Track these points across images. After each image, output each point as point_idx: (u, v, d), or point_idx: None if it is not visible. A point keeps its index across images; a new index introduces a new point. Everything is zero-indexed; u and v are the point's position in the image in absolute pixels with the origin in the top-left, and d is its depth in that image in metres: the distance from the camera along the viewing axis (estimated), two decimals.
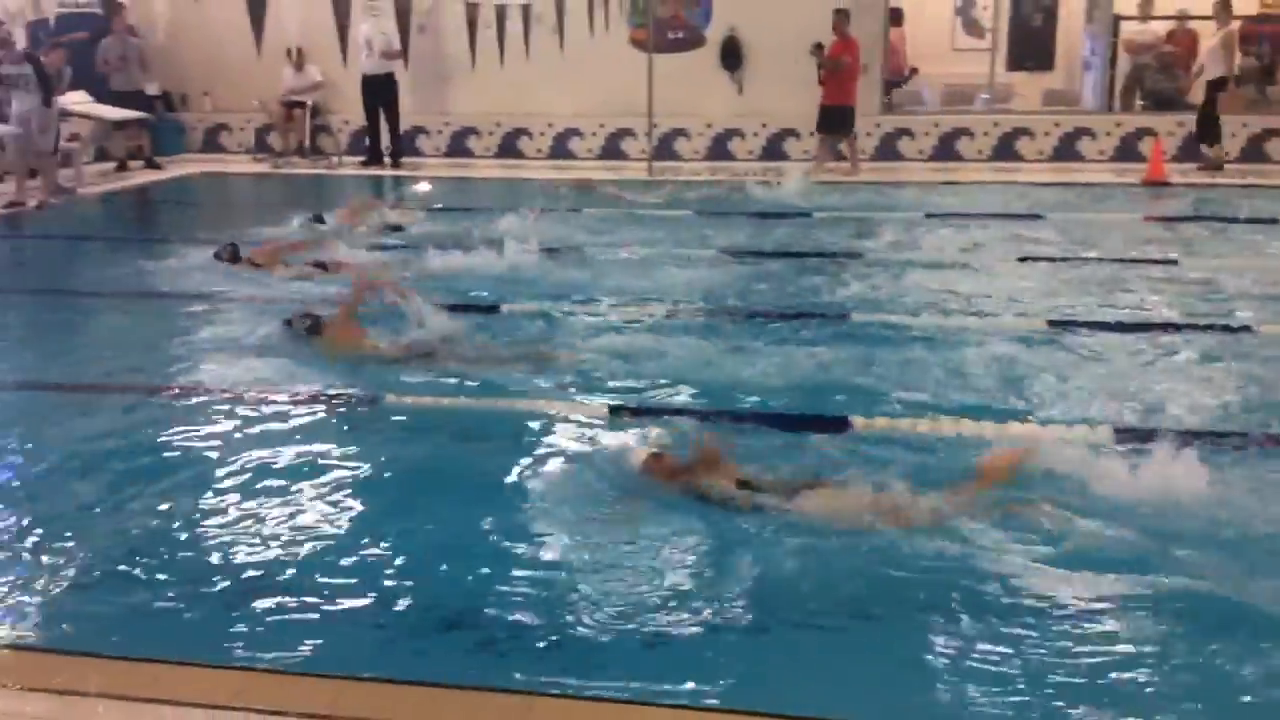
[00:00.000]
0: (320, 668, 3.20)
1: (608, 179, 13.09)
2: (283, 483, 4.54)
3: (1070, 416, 5.18)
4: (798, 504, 4.11)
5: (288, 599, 3.62)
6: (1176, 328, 6.71)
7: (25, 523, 4.20)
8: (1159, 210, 11.23)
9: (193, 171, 14.58)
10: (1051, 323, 6.82)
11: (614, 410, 5.26)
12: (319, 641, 3.36)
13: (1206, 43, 13.90)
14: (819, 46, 13.43)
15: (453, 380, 5.80)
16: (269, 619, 3.50)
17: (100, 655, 3.25)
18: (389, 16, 14.16)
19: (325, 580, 3.74)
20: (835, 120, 13.68)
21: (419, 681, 3.13)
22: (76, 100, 13.57)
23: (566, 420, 5.17)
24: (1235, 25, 13.57)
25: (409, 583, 3.76)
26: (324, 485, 4.51)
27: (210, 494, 4.45)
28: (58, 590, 3.69)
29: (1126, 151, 14.26)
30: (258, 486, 4.51)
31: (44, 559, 3.91)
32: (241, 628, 3.44)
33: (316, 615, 3.53)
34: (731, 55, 14.99)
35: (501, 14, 13.86)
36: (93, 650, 3.28)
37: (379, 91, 14.54)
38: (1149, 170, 12.85)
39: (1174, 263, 8.60)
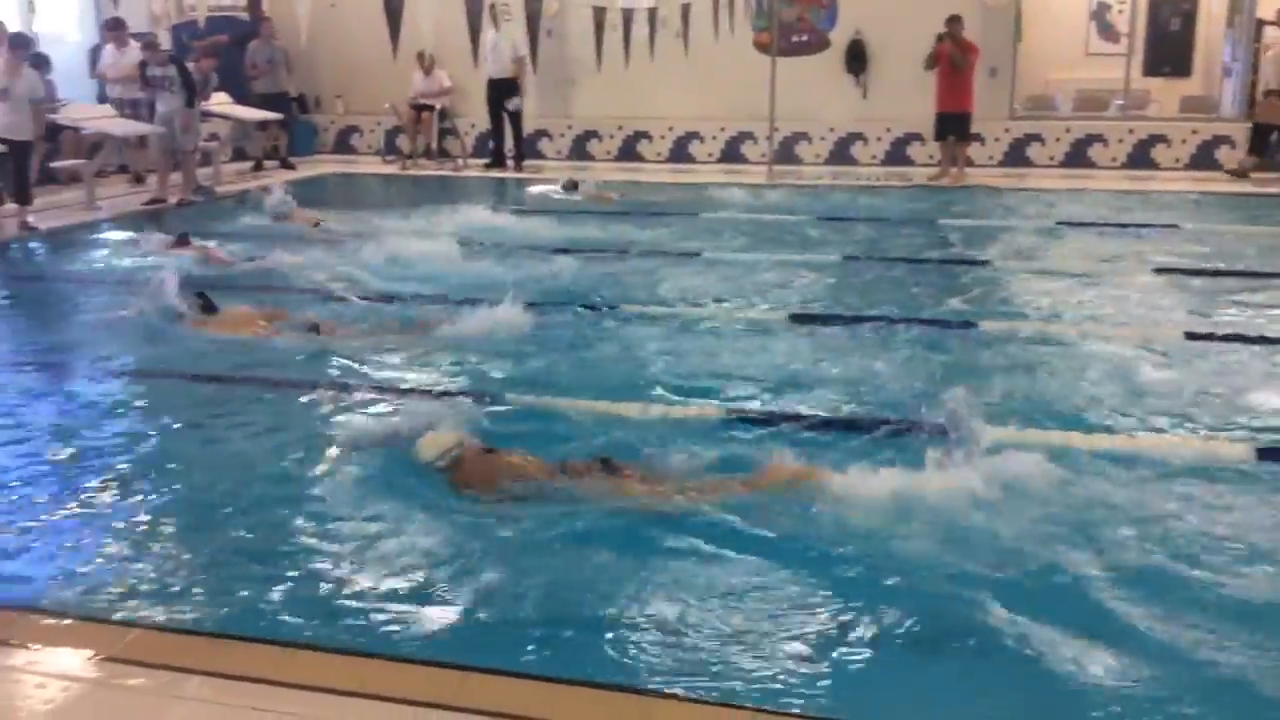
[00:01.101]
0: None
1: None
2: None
3: (1206, 431, 4.99)
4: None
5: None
6: None
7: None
8: None
9: (325, 172, 15.02)
10: (1189, 335, 6.59)
11: (729, 415, 5.23)
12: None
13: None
14: (950, 35, 13.10)
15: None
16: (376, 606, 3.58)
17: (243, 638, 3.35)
18: (519, 22, 14.39)
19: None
20: (952, 127, 13.39)
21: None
22: (217, 102, 14.10)
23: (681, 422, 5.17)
24: None
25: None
26: None
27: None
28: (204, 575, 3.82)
29: (1269, 161, 13.68)
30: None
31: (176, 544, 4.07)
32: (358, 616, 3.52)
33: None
34: (856, 58, 14.85)
35: (628, 18, 13.95)
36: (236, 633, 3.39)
37: (503, 95, 14.80)
38: None
39: None
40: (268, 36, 14.90)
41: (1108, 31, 16.59)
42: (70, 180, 12.50)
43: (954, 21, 13.08)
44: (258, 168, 14.92)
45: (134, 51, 13.05)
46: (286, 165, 15.09)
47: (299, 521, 4.13)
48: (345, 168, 15.46)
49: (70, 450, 4.89)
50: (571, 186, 12.28)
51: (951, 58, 12.97)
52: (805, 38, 15.10)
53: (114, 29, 13.22)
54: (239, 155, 15.39)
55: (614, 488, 4.23)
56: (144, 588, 3.65)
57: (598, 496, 4.19)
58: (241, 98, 14.83)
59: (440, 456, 4.35)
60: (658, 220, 10.78)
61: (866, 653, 3.24)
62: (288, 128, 15.46)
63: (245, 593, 3.61)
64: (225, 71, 14.46)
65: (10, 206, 10.49)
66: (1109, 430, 5.00)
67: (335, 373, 5.99)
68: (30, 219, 10.56)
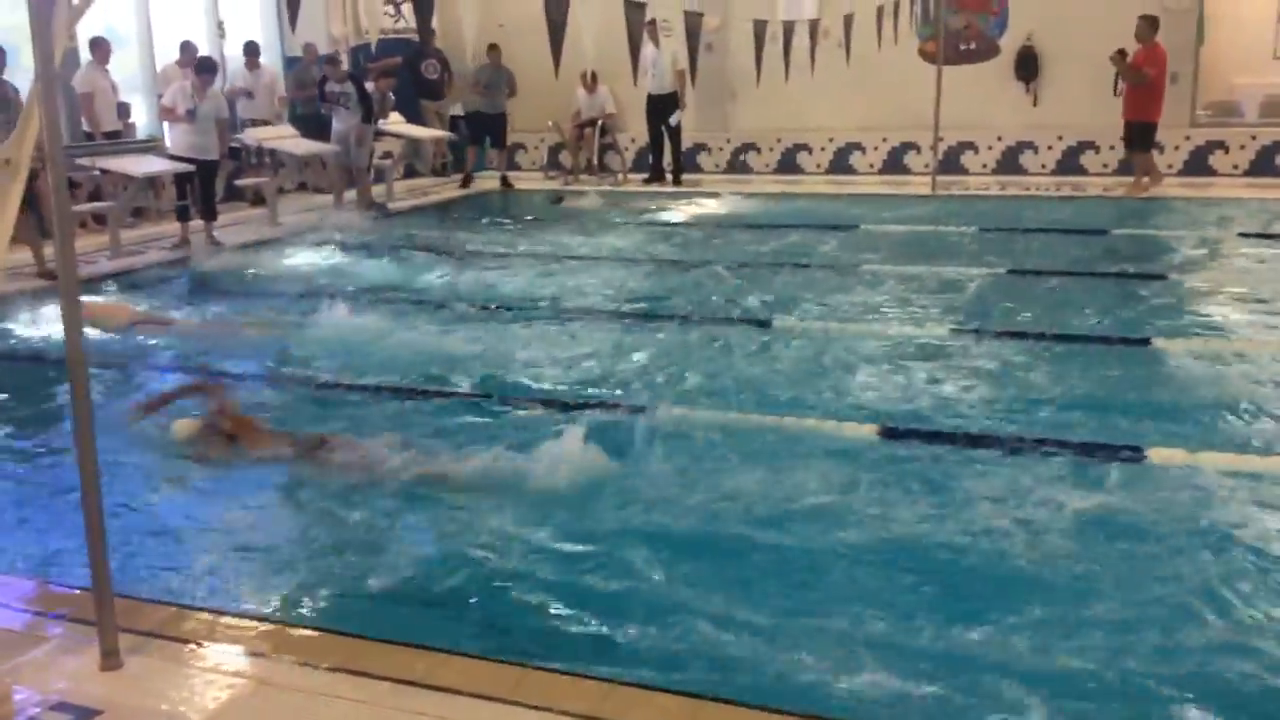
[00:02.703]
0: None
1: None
2: None
3: None
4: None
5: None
6: None
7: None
8: None
9: (491, 187, 15.39)
10: None
11: (886, 432, 5.14)
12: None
13: None
14: (1121, 54, 12.61)
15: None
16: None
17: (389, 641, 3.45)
18: (678, 37, 14.46)
19: None
20: (1135, 136, 12.83)
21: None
22: (391, 120, 14.62)
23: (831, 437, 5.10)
24: None
25: None
26: None
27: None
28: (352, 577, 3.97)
29: None
30: None
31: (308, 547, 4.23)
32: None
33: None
34: (1027, 65, 14.41)
35: (789, 30, 13.84)
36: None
37: (663, 110, 14.90)
38: None
39: None
40: (495, 59, 15.36)
41: None
42: (255, 198, 13.16)
43: (1143, 22, 12.50)
44: (466, 182, 15.53)
45: (268, 72, 13.83)
46: (506, 184, 15.45)
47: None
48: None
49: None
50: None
51: (1124, 75, 12.48)
52: (973, 45, 14.73)
53: (250, 53, 13.76)
54: (410, 173, 15.92)
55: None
56: (297, 589, 3.84)
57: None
58: (413, 116, 15.34)
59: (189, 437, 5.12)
60: None
61: None
62: (458, 146, 15.95)
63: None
64: (397, 91, 15.00)
65: (198, 223, 11.07)
66: None
67: None
68: (216, 234, 11.15)
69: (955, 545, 4.00)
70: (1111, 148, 14.07)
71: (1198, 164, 13.73)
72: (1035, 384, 5.92)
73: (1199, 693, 3.06)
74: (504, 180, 15.42)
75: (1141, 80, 12.44)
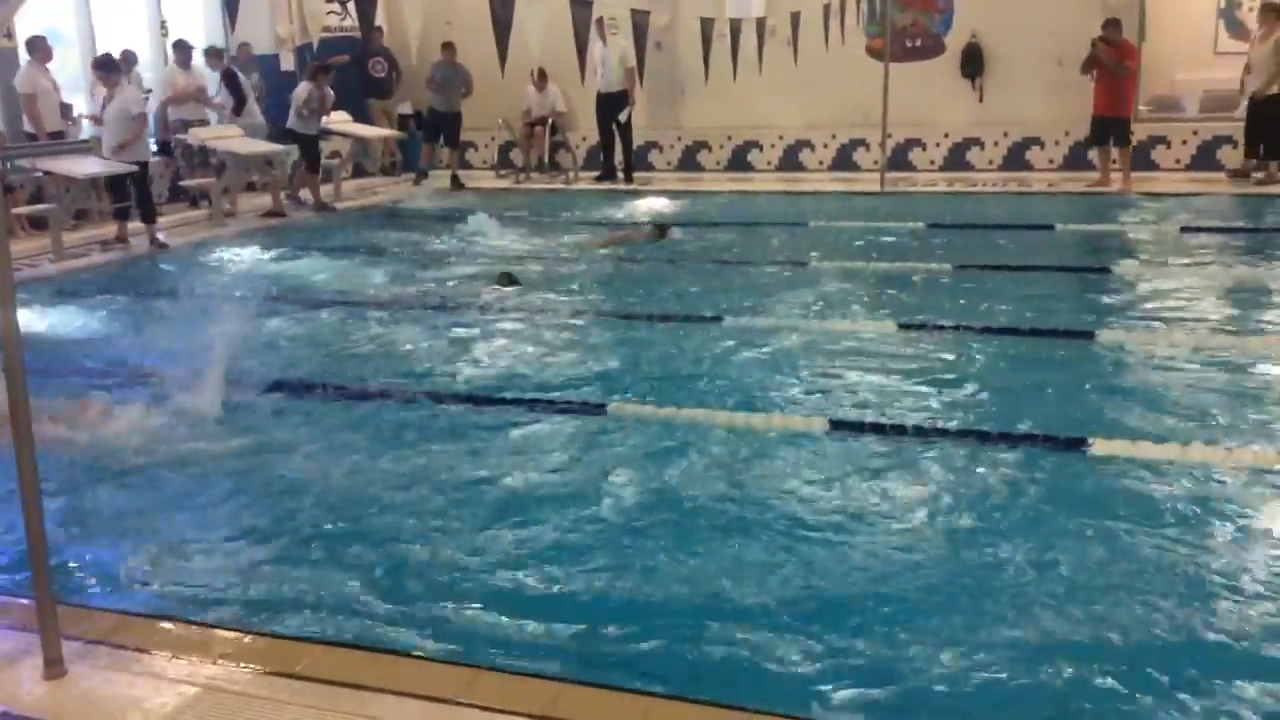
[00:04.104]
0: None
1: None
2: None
3: None
4: None
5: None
6: None
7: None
8: None
9: (442, 186, 15.30)
10: None
11: (834, 424, 5.19)
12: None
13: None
14: (1104, 41, 12.56)
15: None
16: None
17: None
18: (626, 35, 14.47)
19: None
20: (1112, 131, 12.88)
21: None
22: (337, 120, 14.50)
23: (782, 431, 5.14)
24: None
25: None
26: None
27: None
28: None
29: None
30: None
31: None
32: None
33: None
34: (972, 62, 14.56)
35: (736, 28, 13.90)
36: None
37: (613, 108, 14.90)
38: None
39: None
40: (450, 57, 15.25)
41: (1237, 29, 15.90)
42: (201, 197, 13.00)
43: (1110, 26, 12.58)
44: (421, 178, 15.51)
45: (199, 72, 13.64)
46: (457, 184, 15.34)
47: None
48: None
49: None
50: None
51: (1109, 64, 12.55)
52: (919, 42, 14.86)
53: (181, 52, 13.48)
54: (358, 171, 15.81)
55: None
56: (242, 593, 3.80)
57: None
58: (361, 115, 15.23)
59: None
60: None
61: None
62: (405, 145, 15.87)
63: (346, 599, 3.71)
64: (342, 89, 14.89)
65: (140, 224, 10.91)
66: None
67: None
68: (160, 235, 10.98)
69: (891, 530, 4.08)
70: (1056, 143, 14.29)
71: (1141, 158, 13.92)
72: (981, 377, 5.99)
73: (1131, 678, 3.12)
74: (454, 179, 15.33)
75: (1123, 71, 12.56)
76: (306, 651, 3.32)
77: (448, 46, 15.20)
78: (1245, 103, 12.59)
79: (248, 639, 3.42)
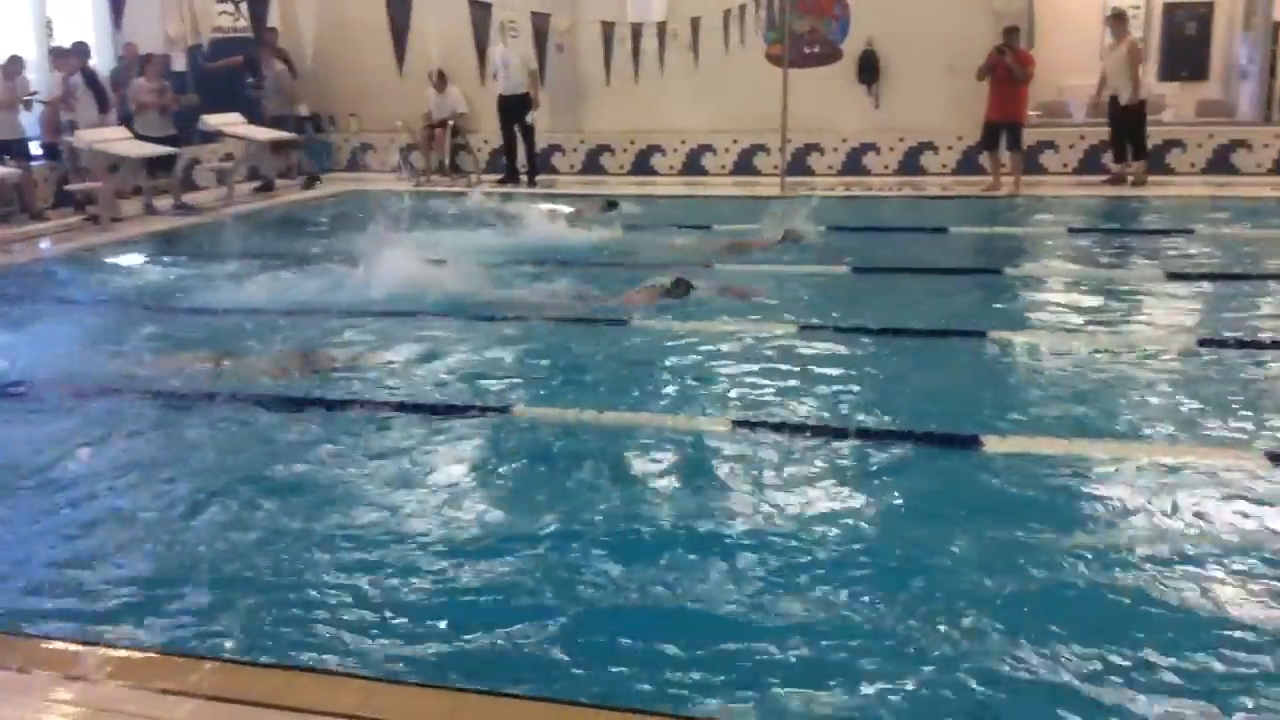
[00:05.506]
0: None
1: None
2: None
3: (1217, 439, 4.95)
4: None
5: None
6: None
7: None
8: None
9: (339, 190, 15.08)
10: (1203, 341, 6.53)
11: (736, 424, 5.23)
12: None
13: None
14: (1010, 48, 12.91)
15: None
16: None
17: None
18: (526, 38, 14.43)
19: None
20: (1007, 137, 13.15)
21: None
22: (229, 122, 14.18)
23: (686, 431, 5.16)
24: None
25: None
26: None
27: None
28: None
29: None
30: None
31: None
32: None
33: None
34: (868, 69, 14.83)
35: (637, 32, 13.95)
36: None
37: (515, 111, 14.83)
38: None
39: None
40: (268, 60, 14.97)
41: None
42: (87, 202, 12.60)
43: (1011, 34, 12.94)
44: (267, 188, 14.93)
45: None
46: (310, 183, 15.03)
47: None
48: (360, 185, 15.49)
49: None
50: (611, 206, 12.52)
51: (1010, 70, 12.85)
52: (817, 49, 15.08)
53: (59, 55, 12.99)
54: (252, 175, 15.49)
55: None
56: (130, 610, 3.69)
57: None
58: (256, 117, 14.92)
59: None
60: None
61: None
62: (298, 147, 15.57)
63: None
64: (234, 92, 14.59)
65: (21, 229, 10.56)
66: None
67: None
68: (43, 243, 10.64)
69: (789, 529, 4.11)
70: (950, 148, 14.62)
71: (1030, 163, 14.33)
72: (877, 377, 6.10)
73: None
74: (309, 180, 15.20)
75: (1025, 77, 12.91)
76: (200, 668, 3.24)
77: (262, 46, 15.09)
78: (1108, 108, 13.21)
79: (137, 656, 3.32)
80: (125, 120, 12.98)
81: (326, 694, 3.09)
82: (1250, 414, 5.26)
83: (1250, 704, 2.99)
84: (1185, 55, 16.06)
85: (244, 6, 15.43)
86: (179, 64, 14.87)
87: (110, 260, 10.36)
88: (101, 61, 13.91)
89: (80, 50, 12.82)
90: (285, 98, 15.11)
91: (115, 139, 12.46)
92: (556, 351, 6.80)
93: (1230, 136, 14.02)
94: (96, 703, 3.07)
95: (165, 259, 10.41)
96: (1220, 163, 13.91)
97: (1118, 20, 13.32)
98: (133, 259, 10.49)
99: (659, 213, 12.39)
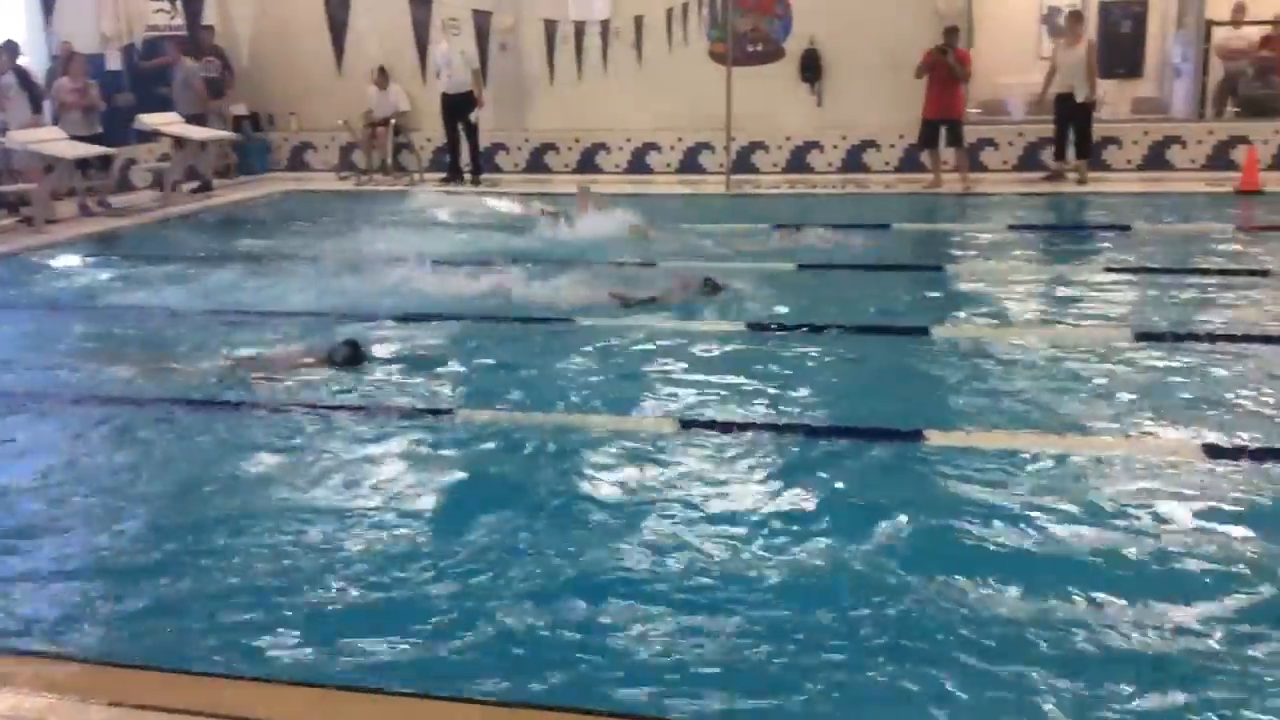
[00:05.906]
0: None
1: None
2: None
3: (1156, 430, 5.05)
4: None
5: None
6: (1270, 340, 6.49)
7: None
8: (1254, 220, 10.89)
9: (279, 190, 14.87)
10: (1139, 335, 6.65)
11: (684, 424, 5.24)
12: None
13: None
14: (949, 46, 13.00)
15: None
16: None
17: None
18: (469, 36, 14.35)
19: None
20: (949, 134, 13.29)
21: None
22: (166, 121, 13.94)
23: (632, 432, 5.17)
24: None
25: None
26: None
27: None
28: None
29: (1218, 160, 13.85)
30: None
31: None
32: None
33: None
34: (811, 67, 14.92)
35: (580, 30, 13.92)
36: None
37: (458, 109, 14.73)
38: (1242, 179, 12.45)
39: (1265, 274, 8.32)
40: (178, 58, 14.72)
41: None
42: (20, 204, 12.33)
43: (951, 34, 13.06)
44: (205, 187, 14.66)
45: None
46: (204, 187, 14.70)
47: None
48: (300, 185, 15.31)
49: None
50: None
51: (952, 69, 12.97)
52: (760, 47, 15.14)
53: None
54: (191, 174, 15.25)
55: None
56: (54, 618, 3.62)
57: None
58: (193, 116, 14.67)
59: None
60: None
61: None
62: (235, 146, 15.36)
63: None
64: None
65: None
66: None
67: None
68: None
69: (727, 524, 4.15)
70: (892, 146, 14.73)
71: (970, 160, 14.49)
72: (821, 373, 6.14)
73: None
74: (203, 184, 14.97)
75: (965, 76, 13.06)
76: (125, 677, 3.20)
77: (175, 43, 14.83)
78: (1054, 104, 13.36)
79: (63, 666, 3.26)
80: (55, 120, 12.73)
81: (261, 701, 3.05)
82: (1185, 407, 5.36)
83: (1182, 695, 3.05)
84: (1121, 53, 16.33)
85: (179, 4, 15.17)
86: (115, 63, 14.61)
87: (46, 262, 10.16)
88: (36, 61, 13.64)
89: (10, 48, 12.52)
90: (194, 96, 14.73)
91: (49, 139, 12.21)
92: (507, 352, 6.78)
93: (1165, 133, 14.28)
94: (8, 713, 3.01)
95: (91, 259, 10.25)
96: (1155, 159, 14.16)
97: (1075, 19, 13.49)
98: (69, 261, 10.29)
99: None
